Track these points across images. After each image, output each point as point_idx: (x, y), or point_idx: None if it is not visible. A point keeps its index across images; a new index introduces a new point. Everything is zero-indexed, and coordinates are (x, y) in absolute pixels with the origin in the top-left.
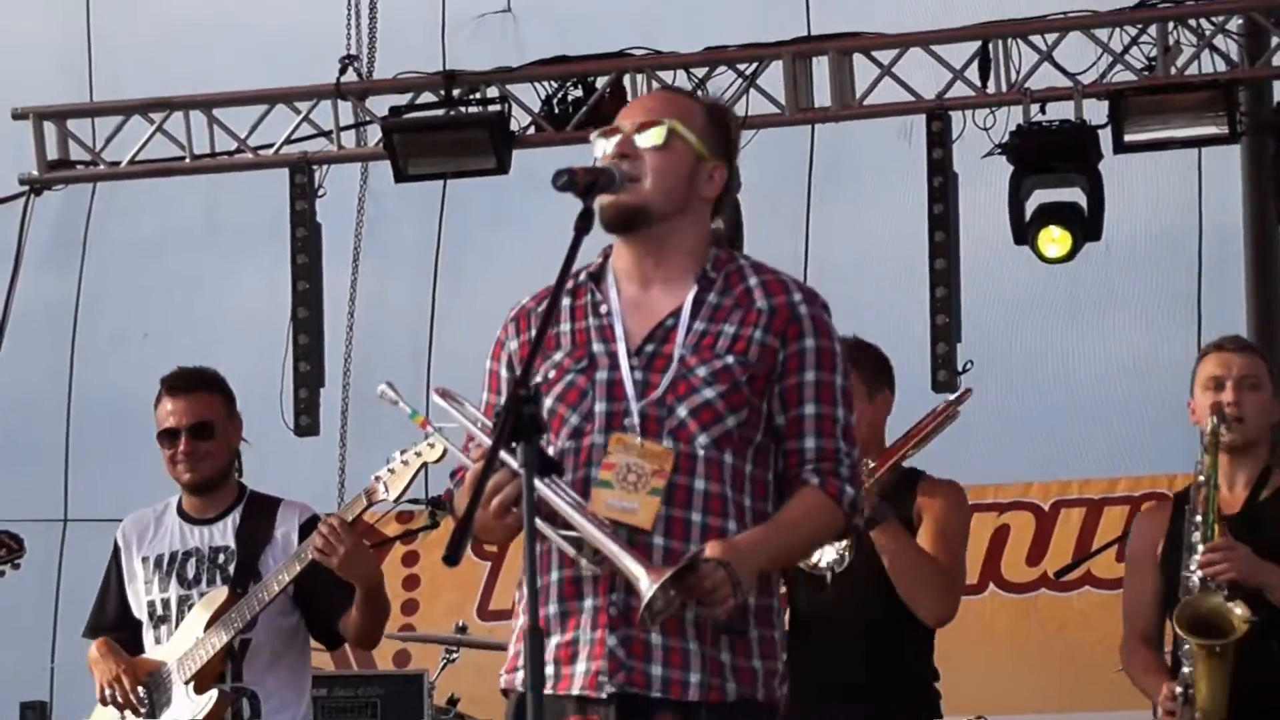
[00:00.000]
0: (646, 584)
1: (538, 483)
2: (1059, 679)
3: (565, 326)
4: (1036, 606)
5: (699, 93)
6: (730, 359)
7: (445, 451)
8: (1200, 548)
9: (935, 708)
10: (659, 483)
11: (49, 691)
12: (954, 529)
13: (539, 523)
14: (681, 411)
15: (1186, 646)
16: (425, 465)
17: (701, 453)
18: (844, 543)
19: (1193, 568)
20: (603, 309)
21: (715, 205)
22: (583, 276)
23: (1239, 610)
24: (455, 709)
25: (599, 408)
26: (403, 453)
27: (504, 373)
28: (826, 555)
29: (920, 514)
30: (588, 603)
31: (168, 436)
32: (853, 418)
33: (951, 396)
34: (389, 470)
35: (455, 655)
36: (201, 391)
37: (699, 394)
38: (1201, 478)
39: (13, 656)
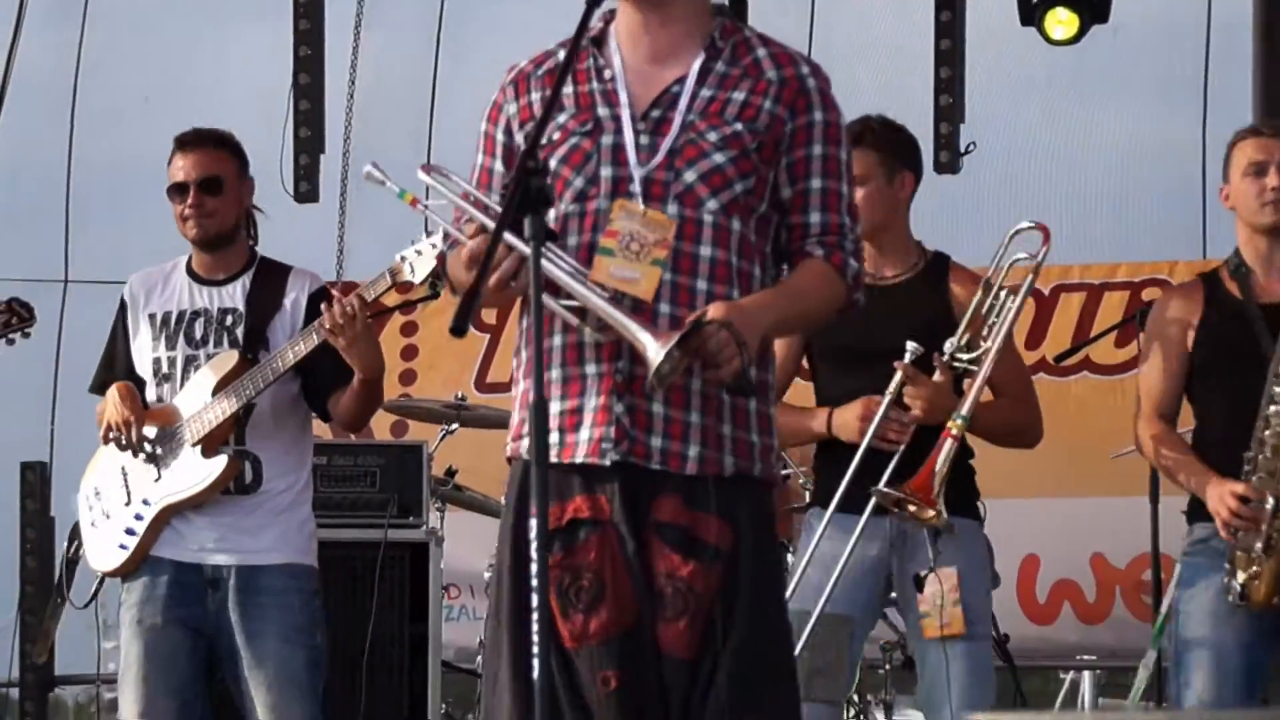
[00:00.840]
0: (654, 349)
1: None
2: (1054, 464)
3: (569, 89)
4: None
5: None
6: (740, 125)
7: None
8: None
9: (973, 486)
10: (661, 253)
11: (49, 452)
12: (1013, 347)
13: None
14: (690, 176)
15: (1266, 455)
16: None
17: (709, 218)
18: None
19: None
20: (606, 73)
21: None
22: (584, 40)
23: None
24: (453, 480)
25: (604, 172)
26: (431, 234)
27: (500, 136)
28: None
29: (958, 303)
30: (590, 369)
31: (177, 191)
32: (855, 192)
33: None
34: (416, 251)
35: (453, 426)
36: (213, 148)
37: (709, 158)
38: None
39: (13, 417)
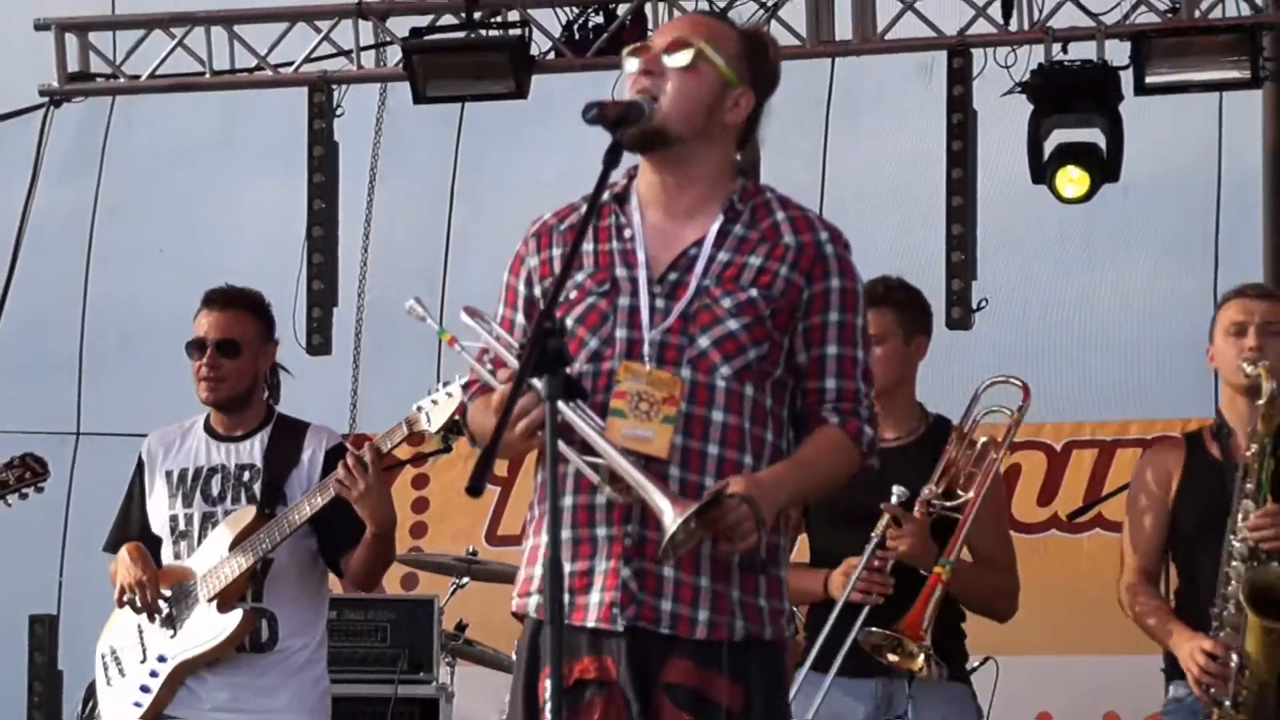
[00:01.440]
0: (671, 517)
1: (562, 406)
2: (1068, 621)
3: (588, 246)
4: (1047, 547)
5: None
6: (755, 292)
7: None
8: (1250, 514)
9: (962, 649)
10: (670, 410)
11: (57, 605)
12: (1002, 517)
13: (562, 446)
14: (704, 341)
15: (1230, 611)
16: None
17: (722, 384)
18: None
19: (1239, 535)
20: (626, 233)
21: (743, 135)
22: (607, 197)
23: None
24: (464, 634)
25: (619, 334)
26: (446, 384)
27: (522, 289)
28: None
29: (956, 474)
30: (601, 531)
31: (196, 347)
32: (870, 358)
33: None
34: (432, 400)
35: (464, 580)
36: (237, 309)
37: (723, 324)
38: (1255, 446)
39: (22, 569)
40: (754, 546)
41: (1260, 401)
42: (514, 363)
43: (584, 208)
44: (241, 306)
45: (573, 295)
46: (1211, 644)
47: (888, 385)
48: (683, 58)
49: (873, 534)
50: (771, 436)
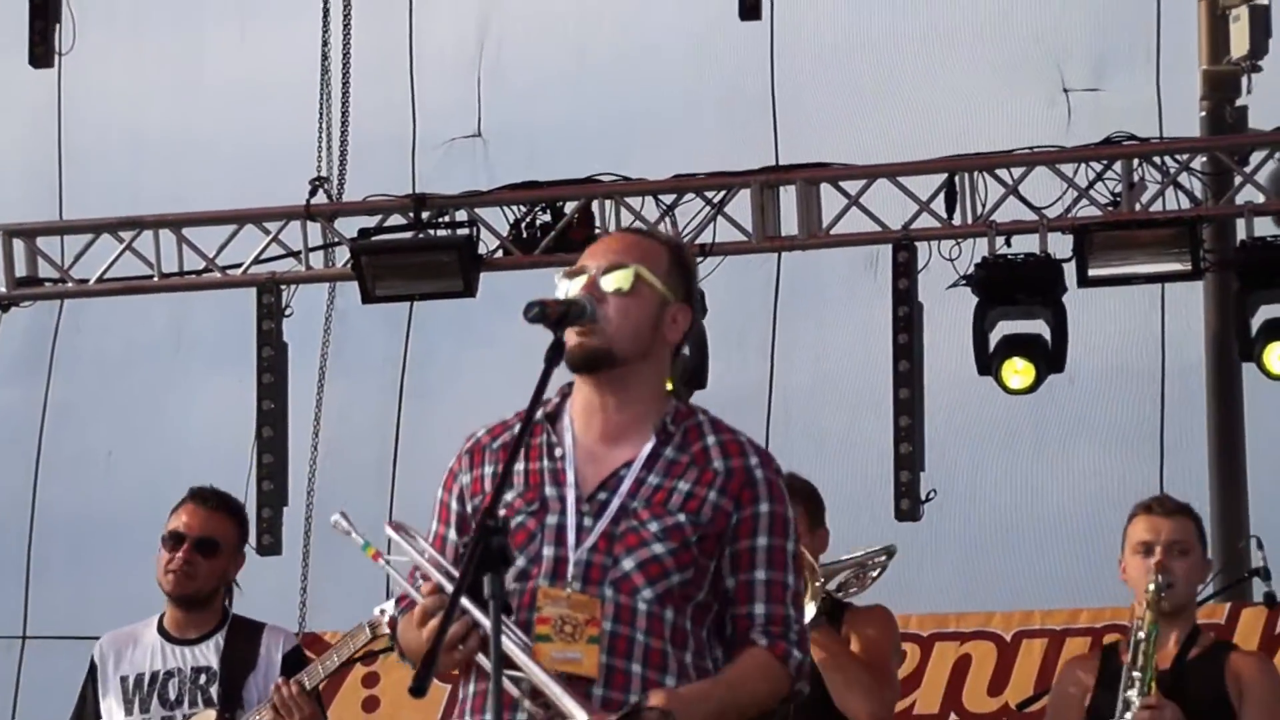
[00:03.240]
0: None
1: (485, 620)
2: None
3: (520, 466)
4: None
5: (663, 226)
6: (682, 517)
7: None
8: (1136, 702)
9: None
10: (594, 631)
11: None
12: (883, 642)
13: (483, 661)
14: (627, 564)
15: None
16: None
17: (644, 606)
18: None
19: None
20: (557, 452)
21: (676, 348)
22: (539, 415)
23: None
24: None
25: (546, 552)
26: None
27: (454, 505)
28: None
29: (849, 640)
30: None
31: (172, 540)
32: (801, 584)
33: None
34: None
35: None
36: (222, 512)
37: (648, 547)
38: (1141, 634)
39: None
40: None
41: (1149, 589)
42: (439, 578)
43: (517, 426)
44: (225, 510)
45: (501, 514)
46: None
47: None
48: (621, 279)
49: None
50: (692, 659)
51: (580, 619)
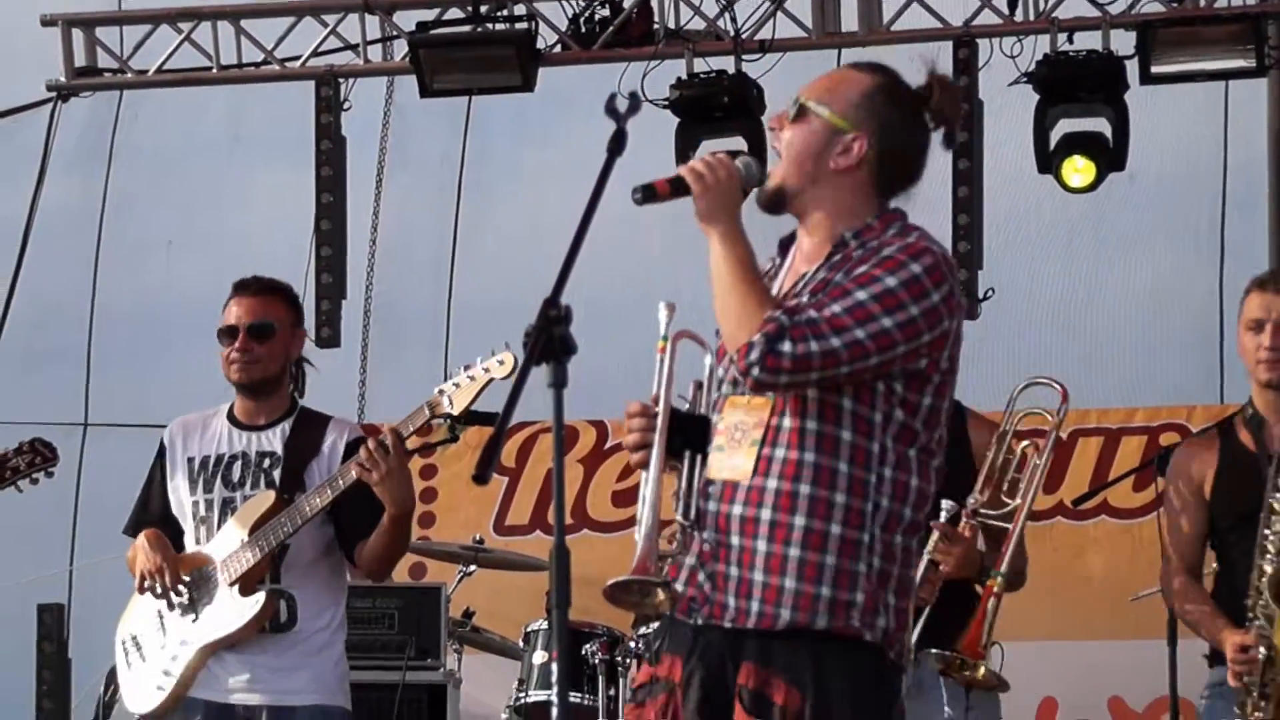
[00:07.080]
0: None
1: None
2: (1073, 607)
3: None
4: (1053, 534)
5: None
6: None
7: (515, 368)
8: None
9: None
10: (758, 434)
11: (67, 595)
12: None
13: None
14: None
15: (1263, 603)
16: (492, 381)
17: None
18: None
19: (1274, 528)
20: (773, 273)
21: (888, 175)
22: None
23: None
24: (471, 622)
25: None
26: (468, 368)
27: None
28: None
29: (978, 451)
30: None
31: (227, 334)
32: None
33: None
34: (454, 384)
35: (471, 569)
36: (269, 295)
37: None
38: None
39: (31, 559)
40: None
41: None
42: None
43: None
44: (273, 293)
45: None
46: (1243, 636)
47: None
48: (791, 112)
49: (925, 552)
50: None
51: (750, 422)
